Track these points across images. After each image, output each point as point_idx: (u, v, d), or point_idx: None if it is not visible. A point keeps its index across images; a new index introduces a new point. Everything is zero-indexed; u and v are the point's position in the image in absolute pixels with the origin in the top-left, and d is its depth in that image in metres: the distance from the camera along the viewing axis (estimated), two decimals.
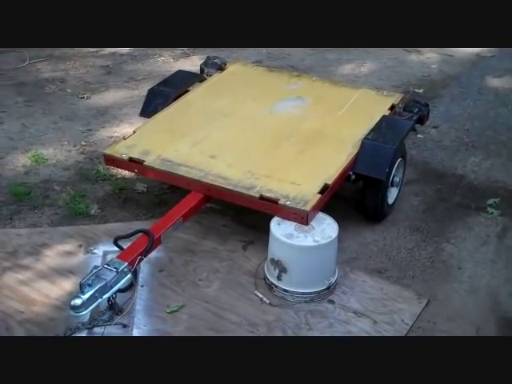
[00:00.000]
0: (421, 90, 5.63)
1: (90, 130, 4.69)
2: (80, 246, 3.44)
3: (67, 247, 3.43)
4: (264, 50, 6.44)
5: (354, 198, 3.84)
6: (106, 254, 3.35)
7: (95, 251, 3.40)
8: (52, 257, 3.35)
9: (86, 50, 6.18)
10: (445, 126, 5.02)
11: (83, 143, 4.49)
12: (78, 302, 2.72)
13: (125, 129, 4.65)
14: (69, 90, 5.31)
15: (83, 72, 5.70)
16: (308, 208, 3.11)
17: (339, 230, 3.27)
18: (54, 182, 4.02)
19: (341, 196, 3.87)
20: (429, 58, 6.39)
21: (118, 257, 2.97)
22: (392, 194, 3.81)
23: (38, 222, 3.65)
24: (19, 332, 2.87)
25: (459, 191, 4.16)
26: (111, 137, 4.58)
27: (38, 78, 5.53)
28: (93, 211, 3.75)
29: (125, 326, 2.93)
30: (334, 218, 3.25)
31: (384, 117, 3.77)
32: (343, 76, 5.85)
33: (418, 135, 4.82)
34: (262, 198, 3.21)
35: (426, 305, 3.17)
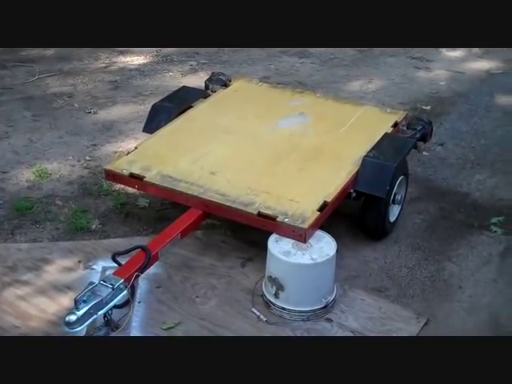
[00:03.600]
0: (428, 107, 5.60)
1: (94, 144, 4.72)
2: (79, 261, 3.45)
3: (66, 263, 3.44)
4: (272, 66, 6.47)
5: (356, 215, 3.82)
6: (104, 269, 3.35)
7: (94, 267, 3.41)
8: (51, 272, 3.36)
9: (95, 65, 6.25)
10: (451, 143, 4.99)
11: (87, 158, 4.52)
12: (72, 318, 2.72)
13: (130, 144, 4.67)
14: (76, 105, 5.35)
15: (91, 87, 5.74)
16: (306, 225, 3.10)
17: (340, 248, 3.27)
18: (56, 197, 4.04)
19: (343, 213, 3.87)
20: (438, 74, 6.37)
21: (114, 273, 2.97)
22: (394, 212, 3.79)
23: (38, 237, 3.67)
24: None
25: (463, 209, 4.13)
26: (116, 152, 4.61)
27: (46, 92, 5.59)
28: (94, 226, 3.76)
29: None
30: (335, 235, 3.25)
31: (386, 134, 3.75)
32: (351, 92, 5.85)
33: (424, 152, 4.80)
34: (260, 214, 3.21)
35: (425, 324, 3.13)
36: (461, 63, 6.66)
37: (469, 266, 3.60)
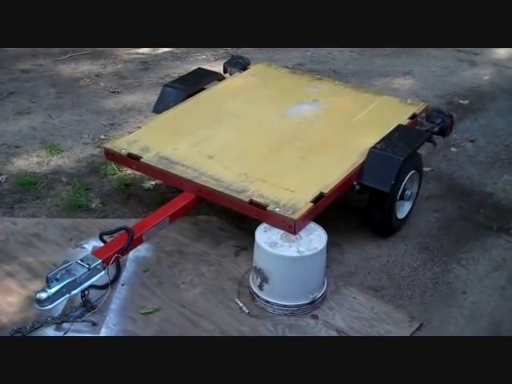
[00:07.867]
0: (466, 102, 5.33)
1: (112, 124, 4.68)
2: (71, 239, 3.40)
3: (58, 240, 3.40)
4: (308, 53, 6.29)
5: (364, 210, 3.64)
6: (95, 249, 3.30)
7: (85, 246, 3.36)
8: (41, 248, 3.33)
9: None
10: (483, 140, 4.72)
11: (102, 137, 4.48)
12: (43, 295, 2.68)
13: None
14: (102, 84, 5.34)
15: (121, 67, 5.72)
16: (296, 216, 2.95)
17: (342, 242, 3.09)
18: (62, 174, 4.02)
19: (352, 207, 3.71)
20: (482, 68, 6.06)
21: (93, 253, 2.91)
22: (403, 209, 3.59)
23: (37, 213, 3.65)
24: None
25: (483, 210, 3.88)
26: (131, 132, 4.54)
27: (75, 70, 5.60)
28: (94, 205, 3.72)
29: (94, 324, 2.85)
30: (342, 229, 3.06)
31: (399, 126, 3.55)
32: (385, 83, 5.62)
33: (452, 148, 4.56)
34: (251, 202, 3.08)
35: (418, 329, 2.94)
36: (510, 58, 6.31)
37: (478, 270, 3.37)
